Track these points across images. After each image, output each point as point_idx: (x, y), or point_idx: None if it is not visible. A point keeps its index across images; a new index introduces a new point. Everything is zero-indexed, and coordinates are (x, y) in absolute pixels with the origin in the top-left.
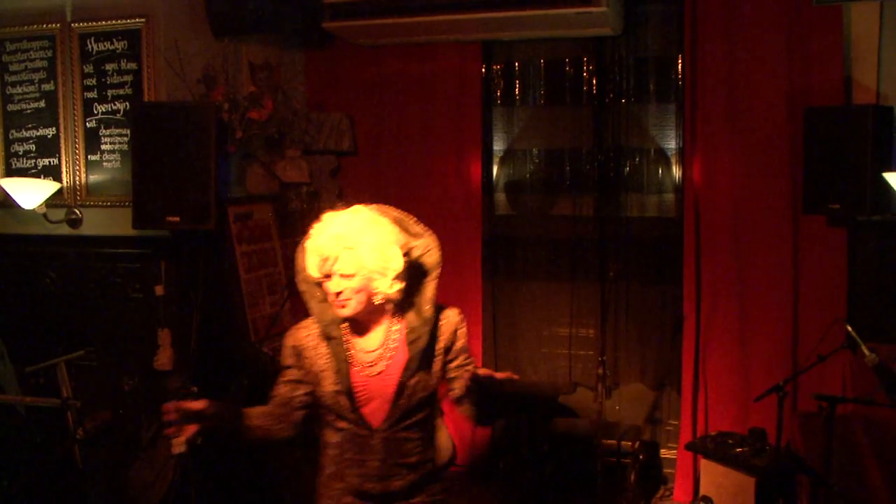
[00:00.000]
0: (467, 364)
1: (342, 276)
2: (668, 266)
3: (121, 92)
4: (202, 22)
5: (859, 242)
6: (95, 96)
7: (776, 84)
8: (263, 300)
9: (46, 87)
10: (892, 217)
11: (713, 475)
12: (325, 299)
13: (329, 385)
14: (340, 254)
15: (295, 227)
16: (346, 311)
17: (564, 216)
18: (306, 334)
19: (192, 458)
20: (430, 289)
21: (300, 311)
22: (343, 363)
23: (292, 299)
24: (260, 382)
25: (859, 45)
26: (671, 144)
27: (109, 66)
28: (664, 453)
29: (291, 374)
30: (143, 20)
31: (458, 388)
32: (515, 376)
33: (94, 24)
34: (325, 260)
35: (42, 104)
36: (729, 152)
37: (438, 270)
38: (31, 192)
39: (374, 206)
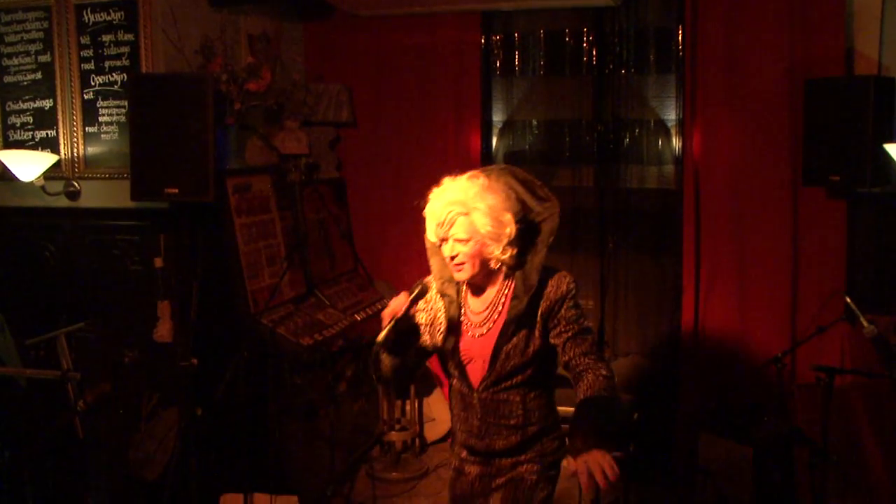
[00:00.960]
0: (580, 341)
1: (457, 240)
2: (668, 238)
3: (118, 63)
4: None
5: (859, 215)
6: (92, 68)
7: (777, 55)
8: (262, 272)
9: (43, 58)
10: (892, 189)
11: (711, 446)
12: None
13: (440, 340)
14: (456, 219)
15: (293, 199)
16: (463, 275)
17: (564, 188)
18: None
19: (193, 429)
20: (539, 256)
21: (299, 282)
22: (454, 322)
23: (292, 271)
24: (260, 353)
25: (861, 15)
26: (671, 116)
27: (106, 38)
28: (663, 425)
29: (419, 317)
30: None
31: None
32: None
33: None
34: (441, 224)
35: (39, 76)
36: (729, 124)
37: (552, 238)
38: (28, 165)
39: (497, 168)
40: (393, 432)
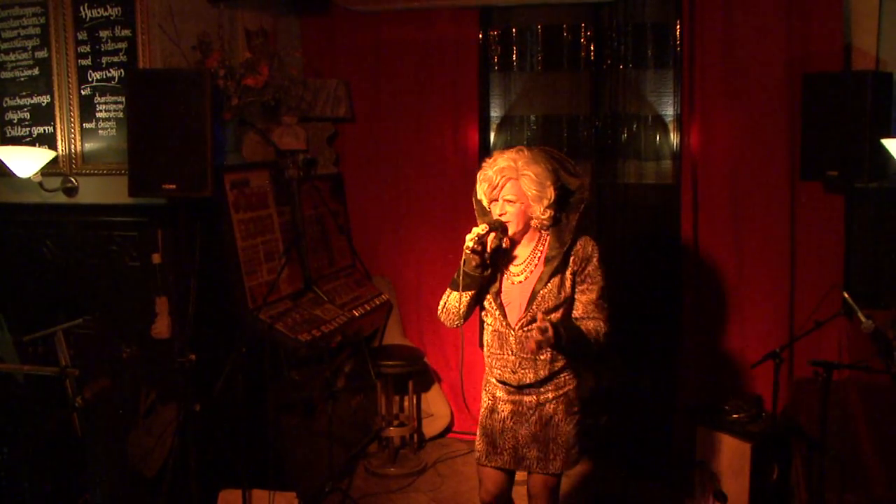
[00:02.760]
0: (588, 290)
1: (506, 200)
2: (666, 233)
3: (115, 59)
4: None
5: (857, 209)
6: (90, 63)
7: (775, 50)
8: (261, 267)
9: (40, 54)
10: (889, 184)
11: (709, 441)
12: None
13: (489, 286)
14: (506, 183)
15: (291, 195)
16: (509, 230)
17: None
18: None
19: (191, 425)
20: (573, 220)
21: (297, 278)
22: (496, 270)
23: (290, 266)
24: (257, 349)
25: (859, 10)
26: (669, 111)
27: (104, 33)
28: (660, 419)
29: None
30: None
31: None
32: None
33: None
34: (494, 188)
35: (36, 71)
36: (727, 119)
37: (583, 206)
38: (26, 161)
39: (537, 147)
40: (391, 428)
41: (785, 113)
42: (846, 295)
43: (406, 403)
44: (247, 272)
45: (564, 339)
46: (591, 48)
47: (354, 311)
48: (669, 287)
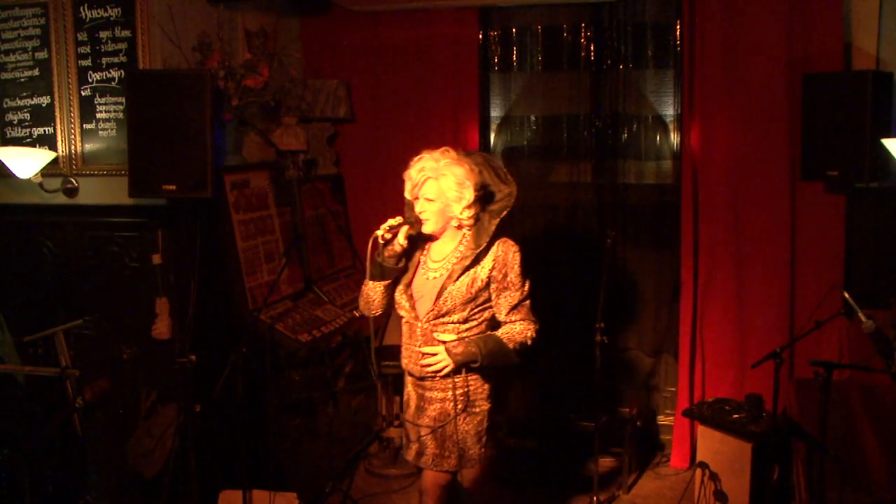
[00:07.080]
0: (511, 296)
1: (426, 199)
2: (666, 233)
3: (115, 60)
4: None
5: (857, 209)
6: (90, 64)
7: (775, 50)
8: (261, 268)
9: (40, 55)
10: (890, 184)
11: (710, 441)
12: None
13: (402, 278)
14: (426, 182)
15: (292, 196)
16: (427, 228)
17: (562, 183)
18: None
19: (192, 425)
20: (491, 225)
21: (297, 279)
22: (413, 265)
23: (290, 267)
24: (258, 350)
25: (859, 10)
26: (669, 111)
27: (104, 34)
28: (661, 420)
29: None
30: None
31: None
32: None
33: None
34: (415, 186)
35: (36, 72)
36: (727, 119)
37: (505, 214)
38: (26, 162)
39: (475, 152)
40: (391, 428)
41: (785, 113)
42: (846, 295)
43: None
44: (247, 273)
45: (482, 352)
46: (592, 48)
47: (355, 312)
48: (670, 286)
